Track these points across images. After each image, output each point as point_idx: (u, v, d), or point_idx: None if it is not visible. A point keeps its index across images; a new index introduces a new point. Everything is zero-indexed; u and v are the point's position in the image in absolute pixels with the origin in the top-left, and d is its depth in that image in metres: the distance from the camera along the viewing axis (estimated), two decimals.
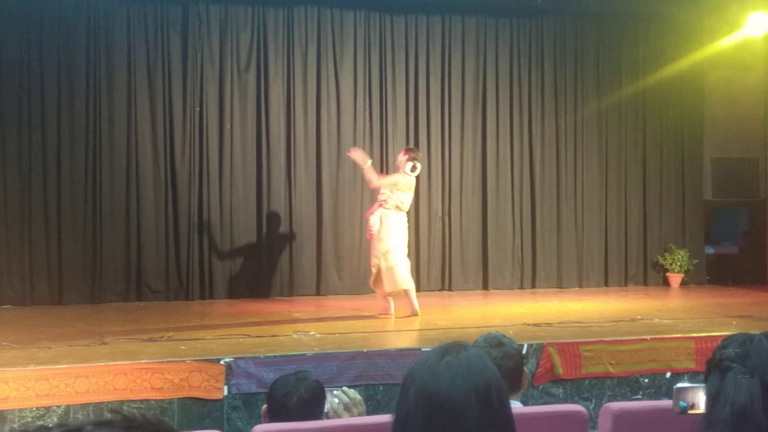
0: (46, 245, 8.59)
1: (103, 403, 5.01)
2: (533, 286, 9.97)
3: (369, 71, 9.61)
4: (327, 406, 3.02)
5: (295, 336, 6.33)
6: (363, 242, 9.47)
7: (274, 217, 9.26)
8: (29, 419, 4.86)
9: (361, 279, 9.43)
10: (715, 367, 1.73)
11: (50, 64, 8.65)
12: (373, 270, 7.47)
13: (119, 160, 8.84)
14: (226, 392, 5.25)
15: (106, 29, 8.83)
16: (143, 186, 8.89)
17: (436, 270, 9.70)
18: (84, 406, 4.97)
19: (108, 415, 1.04)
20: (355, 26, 9.57)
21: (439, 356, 1.61)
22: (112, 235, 8.77)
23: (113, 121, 8.83)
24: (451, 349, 1.63)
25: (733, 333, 1.83)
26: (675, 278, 10.19)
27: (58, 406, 4.95)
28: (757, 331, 1.80)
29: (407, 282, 7.42)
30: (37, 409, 4.93)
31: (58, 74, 8.67)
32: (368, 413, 3.17)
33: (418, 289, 7.91)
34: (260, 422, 2.99)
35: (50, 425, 1.02)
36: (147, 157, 8.91)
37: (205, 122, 9.07)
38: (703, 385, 1.81)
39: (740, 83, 10.74)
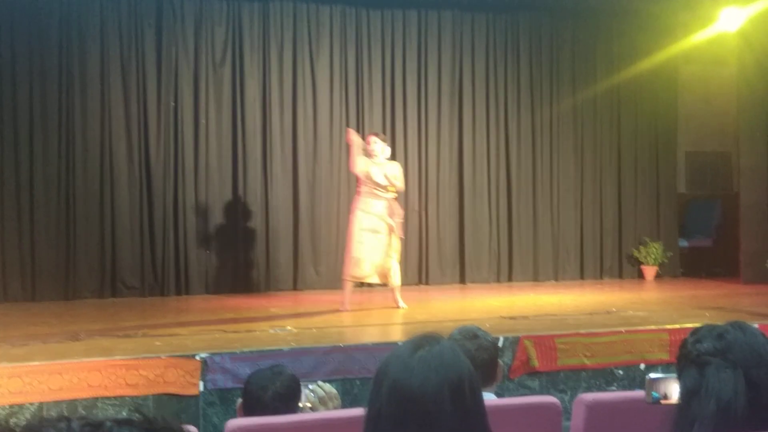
0: (18, 241, 8.49)
1: (77, 400, 4.96)
2: (510, 279, 10.00)
3: (345, 66, 9.59)
4: (303, 400, 3.01)
5: (272, 331, 6.30)
6: (340, 237, 9.45)
7: (250, 213, 9.22)
8: (1, 417, 4.81)
9: (338, 274, 9.40)
10: (692, 362, 1.71)
11: (22, 58, 8.54)
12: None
13: (93, 155, 8.75)
14: (201, 388, 5.22)
15: (79, 23, 8.73)
16: (117, 181, 8.81)
17: (413, 264, 9.69)
18: (57, 403, 4.92)
19: (125, 414, 1.03)
20: (330, 21, 9.54)
21: (412, 350, 1.59)
22: (87, 231, 8.69)
23: (86, 116, 8.74)
24: (424, 342, 1.61)
25: (698, 325, 1.82)
26: (650, 271, 10.28)
27: (32, 404, 4.89)
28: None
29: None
30: (10, 406, 4.87)
31: (30, 69, 8.56)
32: (345, 407, 3.16)
33: None
34: (236, 417, 2.97)
35: (71, 418, 1.01)
36: (121, 152, 8.84)
37: (180, 117, 9.00)
38: (675, 375, 1.80)
39: (713, 78, 10.83)
